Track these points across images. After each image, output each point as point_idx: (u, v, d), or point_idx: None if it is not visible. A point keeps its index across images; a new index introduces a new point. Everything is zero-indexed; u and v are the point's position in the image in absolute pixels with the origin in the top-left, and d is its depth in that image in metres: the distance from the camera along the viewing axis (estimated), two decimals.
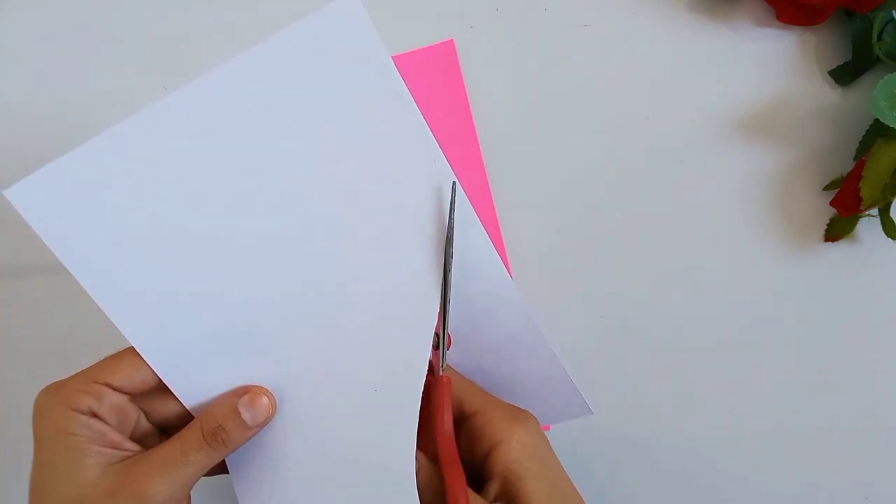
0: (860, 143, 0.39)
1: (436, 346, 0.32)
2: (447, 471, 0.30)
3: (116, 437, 0.29)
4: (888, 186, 0.36)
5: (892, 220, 0.38)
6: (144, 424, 0.31)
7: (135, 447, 0.29)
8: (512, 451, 0.30)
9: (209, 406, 0.31)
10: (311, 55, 0.30)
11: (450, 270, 0.31)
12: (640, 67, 0.41)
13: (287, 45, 0.30)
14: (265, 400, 0.31)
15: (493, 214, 0.42)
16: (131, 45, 0.43)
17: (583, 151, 0.42)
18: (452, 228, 0.31)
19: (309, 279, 0.31)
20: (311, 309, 0.32)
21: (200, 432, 0.29)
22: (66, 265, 0.30)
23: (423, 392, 0.31)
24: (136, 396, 0.30)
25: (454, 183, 0.31)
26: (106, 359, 0.30)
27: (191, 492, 0.30)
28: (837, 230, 0.40)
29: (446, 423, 0.31)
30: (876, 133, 0.38)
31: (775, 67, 0.41)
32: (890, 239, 0.38)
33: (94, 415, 0.28)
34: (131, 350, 0.30)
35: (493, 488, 0.30)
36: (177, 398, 0.31)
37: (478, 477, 0.31)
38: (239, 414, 0.30)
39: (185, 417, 0.31)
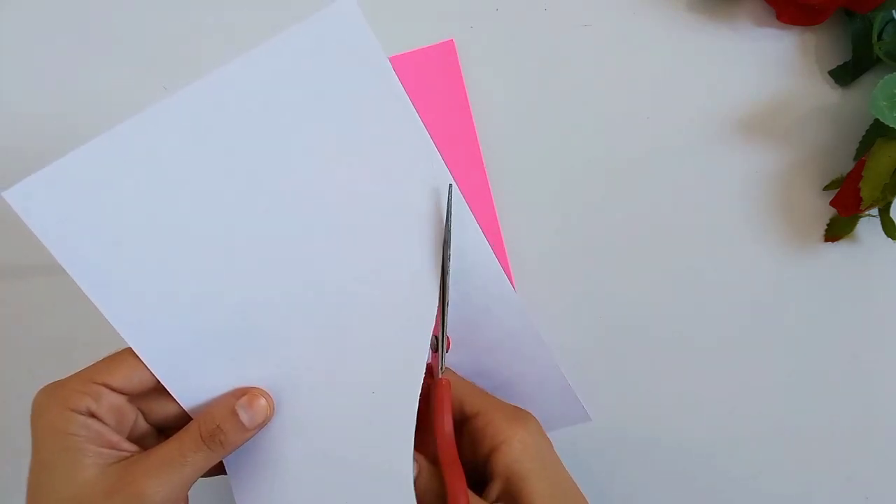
0: (860, 143, 0.39)
1: (435, 349, 0.32)
2: (447, 472, 0.30)
3: (114, 438, 0.29)
4: (888, 186, 0.36)
5: (892, 220, 0.38)
6: (142, 425, 0.31)
7: (133, 448, 0.29)
8: (513, 452, 0.30)
9: (207, 407, 0.31)
10: (309, 57, 0.30)
11: (447, 272, 0.31)
12: (640, 67, 0.41)
13: (286, 47, 0.30)
14: (263, 401, 0.31)
15: (493, 215, 0.42)
16: (131, 45, 0.43)
17: (583, 151, 0.41)
18: (450, 231, 0.31)
19: (308, 280, 0.31)
20: (310, 310, 0.32)
21: (198, 433, 0.29)
22: (64, 267, 0.30)
23: (423, 394, 0.31)
24: (135, 397, 0.30)
25: (451, 185, 0.31)
26: (104, 359, 0.30)
27: (188, 492, 0.30)
28: (837, 230, 0.40)
29: (446, 424, 0.31)
30: (876, 133, 0.38)
31: (775, 67, 0.41)
32: (890, 239, 0.38)
33: (93, 415, 0.28)
34: (130, 351, 0.30)
35: (495, 489, 0.30)
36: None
37: (480, 478, 0.31)
38: (237, 415, 0.30)
39: (184, 418, 0.31)
